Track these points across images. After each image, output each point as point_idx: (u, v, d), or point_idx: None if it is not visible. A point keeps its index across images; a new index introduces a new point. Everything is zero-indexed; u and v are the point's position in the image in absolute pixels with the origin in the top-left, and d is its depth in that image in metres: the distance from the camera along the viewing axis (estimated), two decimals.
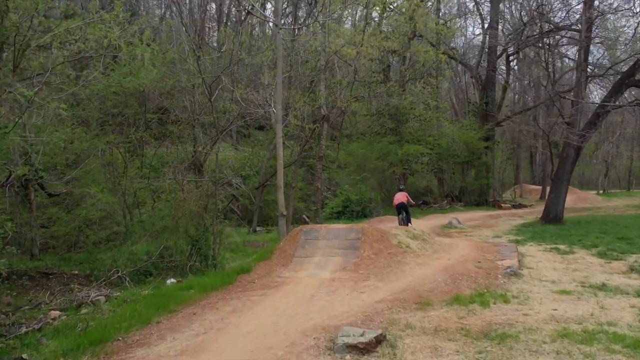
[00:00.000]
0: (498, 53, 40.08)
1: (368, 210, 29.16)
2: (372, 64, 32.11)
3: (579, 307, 9.55)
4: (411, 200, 20.21)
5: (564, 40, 38.07)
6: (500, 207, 36.24)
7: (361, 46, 20.14)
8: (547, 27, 26.43)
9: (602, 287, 11.10)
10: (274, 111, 16.21)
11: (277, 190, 15.62)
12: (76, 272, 15.37)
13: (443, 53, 37.72)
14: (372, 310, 9.32)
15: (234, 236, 22.51)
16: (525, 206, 38.42)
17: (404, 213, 19.99)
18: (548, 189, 47.21)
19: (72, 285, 13.82)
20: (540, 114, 53.02)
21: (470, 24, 72.45)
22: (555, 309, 9.34)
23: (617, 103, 23.06)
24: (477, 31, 74.52)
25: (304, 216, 29.54)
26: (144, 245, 16.02)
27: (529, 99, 50.07)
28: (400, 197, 19.97)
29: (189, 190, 15.17)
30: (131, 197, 18.86)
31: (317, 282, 11.50)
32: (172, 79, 19.00)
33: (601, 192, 49.65)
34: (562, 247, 17.11)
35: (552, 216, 24.48)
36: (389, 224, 24.71)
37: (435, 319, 8.88)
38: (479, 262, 13.15)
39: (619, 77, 23.37)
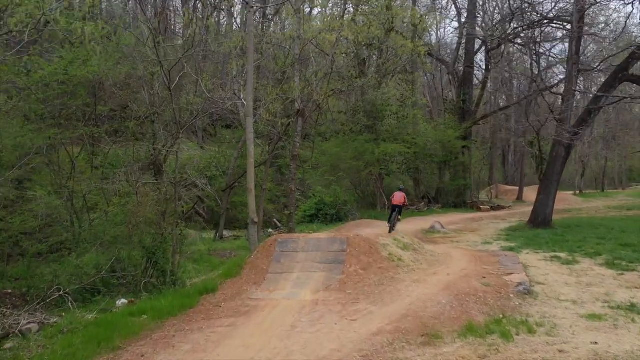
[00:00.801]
0: (476, 48, 38.73)
1: (343, 213, 27.28)
2: (348, 57, 30.35)
3: (622, 338, 7.81)
4: (406, 201, 20.00)
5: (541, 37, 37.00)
6: (479, 209, 34.78)
7: (340, 32, 18.24)
8: (535, 17, 24.87)
9: (633, 309, 9.43)
10: (243, 103, 14.19)
11: (248, 193, 13.52)
12: (10, 290, 13.03)
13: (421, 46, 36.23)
14: (370, 347, 7.43)
15: (198, 244, 20.40)
16: (503, 207, 37.05)
17: (397, 214, 19.45)
18: (525, 190, 46.20)
19: (2, 309, 11.57)
20: (512, 114, 51.98)
21: (443, 23, 70.99)
22: (596, 343, 7.58)
23: (610, 97, 21.62)
24: (455, 24, 72.37)
25: (274, 220, 27.54)
26: (92, 256, 13.77)
27: (503, 98, 48.96)
28: (399, 197, 19.32)
29: (144, 194, 12.97)
30: (80, 201, 16.51)
31: (298, 306, 9.51)
32: (127, 67, 16.72)
33: (578, 192, 48.76)
34: (562, 255, 15.51)
35: (541, 219, 22.95)
36: (367, 228, 22.91)
37: (451, 358, 7.03)
38: (484, 277, 11.35)
39: (612, 71, 21.97)
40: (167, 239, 12.93)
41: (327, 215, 26.79)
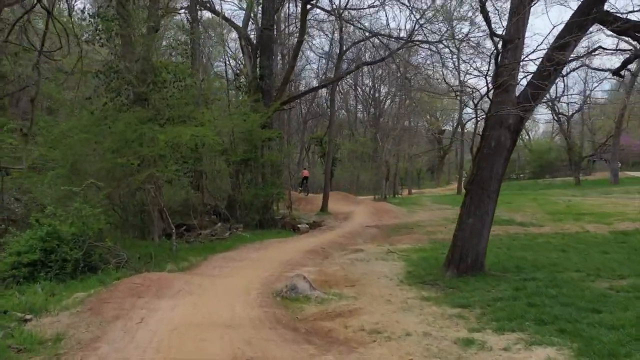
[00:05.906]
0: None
1: (98, 255, 14.08)
2: None
3: None
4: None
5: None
6: (297, 230, 24.18)
7: None
8: None
9: None
10: None
11: None
12: None
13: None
14: None
15: None
16: (319, 224, 27.01)
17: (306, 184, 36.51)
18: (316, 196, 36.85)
19: None
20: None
21: None
22: None
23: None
24: None
25: None
26: None
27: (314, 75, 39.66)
28: (306, 172, 38.06)
29: None
30: None
31: None
32: None
33: (381, 198, 41.44)
34: None
35: (472, 260, 13.05)
36: (171, 300, 10.77)
37: None
38: None
39: (580, 4, 13.02)
40: None
41: (65, 261, 13.25)
